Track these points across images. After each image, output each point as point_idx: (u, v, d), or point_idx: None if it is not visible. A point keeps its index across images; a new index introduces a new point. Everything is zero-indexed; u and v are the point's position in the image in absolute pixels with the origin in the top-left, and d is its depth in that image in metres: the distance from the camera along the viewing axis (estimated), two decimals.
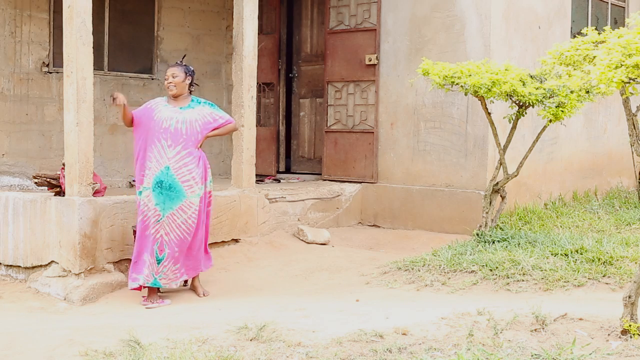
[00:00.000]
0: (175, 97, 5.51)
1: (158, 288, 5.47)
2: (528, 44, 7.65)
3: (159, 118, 5.42)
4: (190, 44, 9.23)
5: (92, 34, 5.69)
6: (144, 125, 5.46)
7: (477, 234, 6.23)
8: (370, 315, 4.17)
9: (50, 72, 8.25)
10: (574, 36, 4.29)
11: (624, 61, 3.29)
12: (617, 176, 9.15)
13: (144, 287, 5.44)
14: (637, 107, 6.97)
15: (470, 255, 5.80)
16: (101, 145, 8.40)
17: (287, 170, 9.20)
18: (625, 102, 3.64)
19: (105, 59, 8.55)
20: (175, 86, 5.48)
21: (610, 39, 3.48)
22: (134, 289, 5.46)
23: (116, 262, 5.83)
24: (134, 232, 5.75)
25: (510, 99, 5.99)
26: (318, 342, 3.62)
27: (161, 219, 5.37)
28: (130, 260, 5.85)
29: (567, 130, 8.00)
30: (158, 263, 5.37)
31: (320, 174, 8.52)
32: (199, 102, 5.59)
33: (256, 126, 7.07)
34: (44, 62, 8.20)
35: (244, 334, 3.75)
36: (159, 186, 5.36)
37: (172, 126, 5.40)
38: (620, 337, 3.58)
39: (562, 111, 5.85)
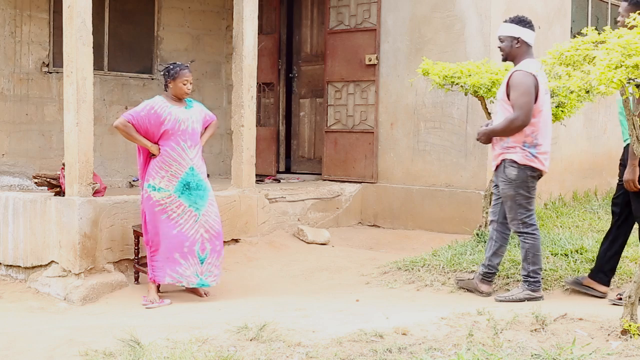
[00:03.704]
0: (182, 97, 5.50)
1: (158, 287, 5.48)
2: None
3: (174, 119, 5.36)
4: (190, 44, 9.23)
5: (92, 34, 5.70)
6: (151, 128, 5.35)
7: (477, 234, 6.23)
8: (370, 315, 4.17)
9: (50, 72, 8.25)
10: (574, 36, 4.29)
11: (623, 61, 3.29)
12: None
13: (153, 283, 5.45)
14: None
15: (470, 255, 5.80)
16: (101, 145, 8.40)
17: (287, 170, 9.20)
18: (625, 102, 3.64)
19: (105, 59, 8.55)
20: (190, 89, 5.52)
21: (610, 39, 3.48)
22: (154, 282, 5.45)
23: (116, 262, 5.83)
24: (134, 232, 5.76)
25: None
26: (318, 342, 3.62)
27: (198, 218, 5.40)
28: (130, 260, 5.87)
29: (567, 130, 7.99)
30: (202, 263, 5.40)
31: (320, 174, 8.52)
32: (191, 101, 5.62)
33: (256, 126, 7.07)
34: (44, 62, 8.21)
35: (244, 334, 3.75)
36: (187, 188, 5.38)
37: (190, 127, 5.42)
38: (620, 337, 3.58)
39: (562, 111, 5.85)
